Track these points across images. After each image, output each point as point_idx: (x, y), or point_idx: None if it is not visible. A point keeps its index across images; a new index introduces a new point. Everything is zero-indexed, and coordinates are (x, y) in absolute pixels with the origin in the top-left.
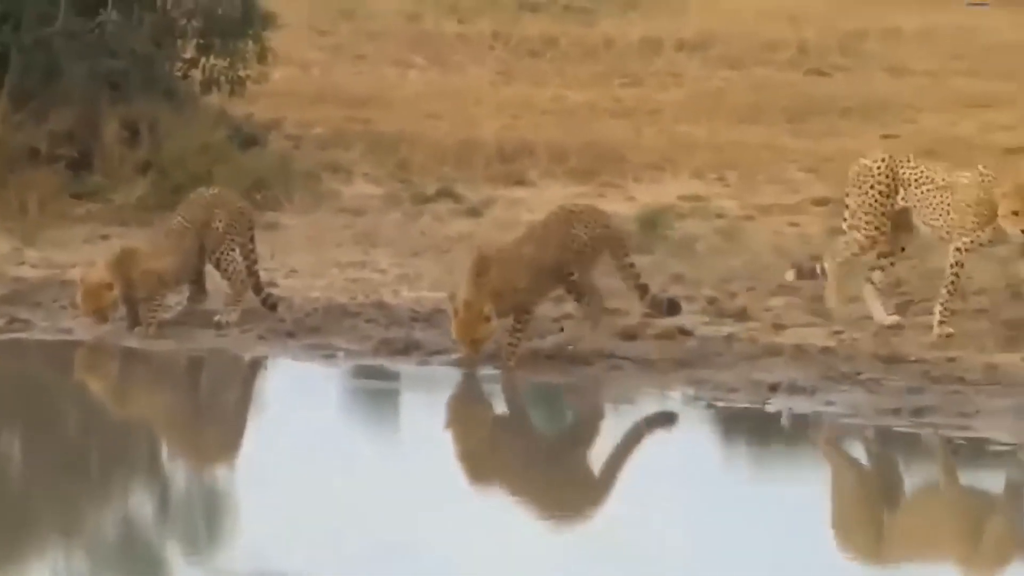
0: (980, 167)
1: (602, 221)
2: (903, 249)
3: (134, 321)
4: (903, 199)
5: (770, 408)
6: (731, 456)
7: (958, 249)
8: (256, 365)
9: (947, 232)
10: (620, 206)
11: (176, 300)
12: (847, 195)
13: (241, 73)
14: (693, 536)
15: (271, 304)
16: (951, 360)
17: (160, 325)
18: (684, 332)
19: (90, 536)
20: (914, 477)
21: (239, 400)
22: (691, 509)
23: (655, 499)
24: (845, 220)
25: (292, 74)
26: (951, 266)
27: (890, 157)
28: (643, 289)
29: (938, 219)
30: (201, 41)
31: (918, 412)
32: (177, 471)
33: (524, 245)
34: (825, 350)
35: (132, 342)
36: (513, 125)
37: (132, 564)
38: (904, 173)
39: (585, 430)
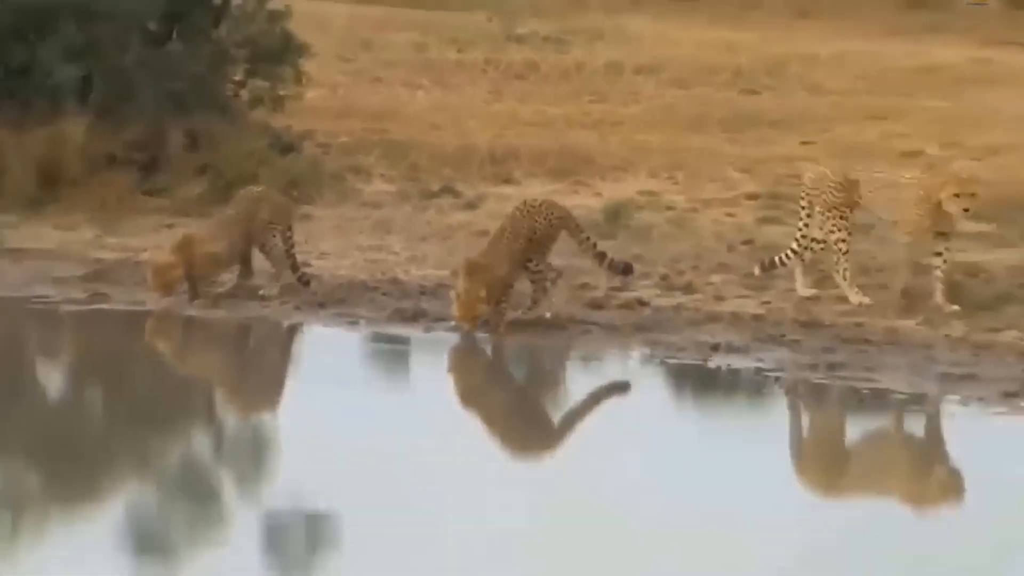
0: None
1: (556, 211)
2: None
3: (194, 294)
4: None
5: (711, 364)
6: (680, 403)
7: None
8: (293, 330)
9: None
10: (589, 200)
11: (228, 277)
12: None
13: (281, 93)
14: (649, 468)
15: (305, 281)
16: (858, 325)
17: (215, 298)
18: (642, 303)
19: (157, 473)
20: (833, 422)
21: (279, 359)
22: (647, 447)
23: (617, 438)
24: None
25: (322, 94)
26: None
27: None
28: (601, 256)
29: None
30: (248, 66)
31: (832, 367)
32: (229, 418)
33: (499, 242)
34: (756, 316)
35: (192, 312)
36: (502, 134)
37: (191, 497)
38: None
39: (559, 382)
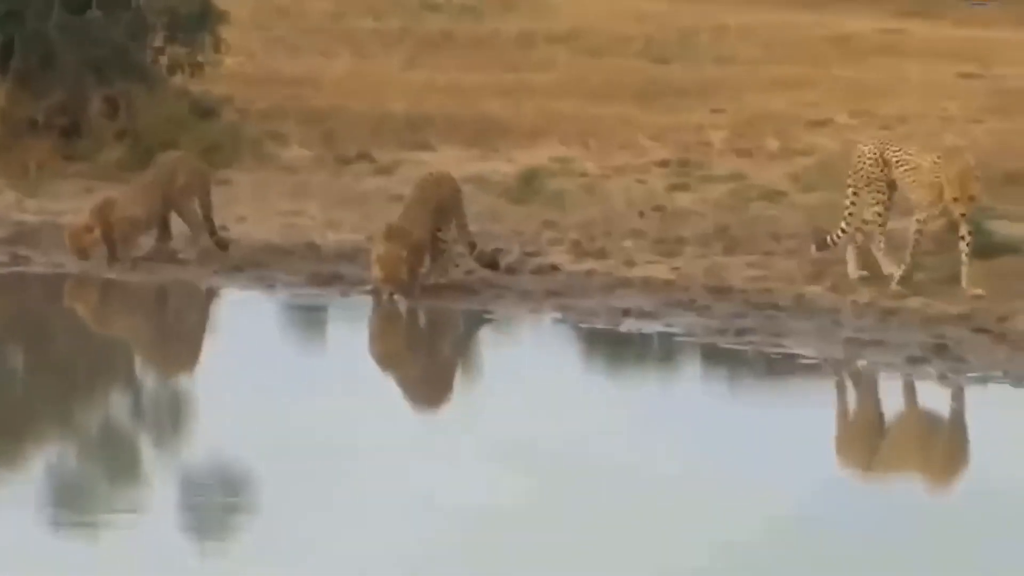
0: (935, 155)
1: (456, 185)
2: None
3: (113, 257)
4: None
5: (622, 329)
6: (591, 365)
7: (918, 220)
8: (211, 293)
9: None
10: (503, 166)
11: (146, 241)
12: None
13: (199, 59)
14: (559, 419)
15: (223, 244)
16: (767, 291)
17: (134, 261)
18: (554, 268)
19: (76, 433)
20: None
21: (197, 321)
22: (560, 404)
23: (528, 399)
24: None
25: (240, 61)
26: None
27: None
28: (472, 245)
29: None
30: (167, 34)
31: (740, 332)
32: (147, 380)
33: (411, 209)
34: (666, 282)
35: (111, 274)
36: (418, 102)
37: (110, 457)
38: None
39: (474, 345)
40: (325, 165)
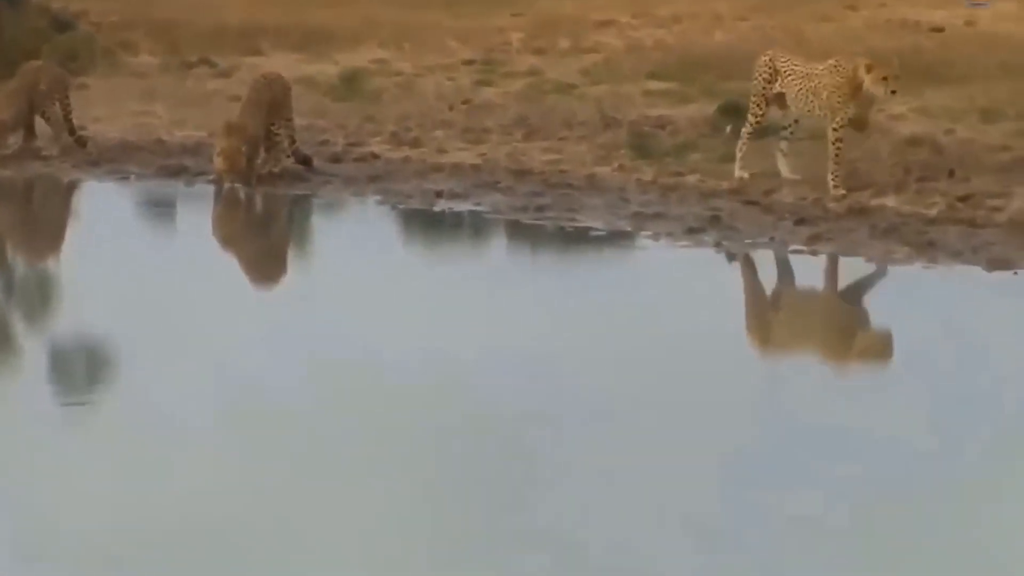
0: (832, 60)
1: (286, 84)
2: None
3: None
4: (780, 87)
5: (436, 208)
6: (409, 241)
7: (834, 128)
8: (72, 186)
9: (820, 114)
10: (328, 68)
11: (13, 141)
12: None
13: None
14: (379, 289)
15: (82, 142)
16: (562, 172)
17: (3, 159)
18: (375, 156)
19: None
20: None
21: (61, 211)
22: (378, 278)
23: (351, 268)
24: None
25: None
26: (832, 142)
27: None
28: (292, 140)
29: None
30: None
31: (540, 209)
32: (17, 263)
33: (248, 108)
34: (474, 167)
35: None
36: (251, 13)
37: None
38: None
39: (306, 224)
40: (170, 70)
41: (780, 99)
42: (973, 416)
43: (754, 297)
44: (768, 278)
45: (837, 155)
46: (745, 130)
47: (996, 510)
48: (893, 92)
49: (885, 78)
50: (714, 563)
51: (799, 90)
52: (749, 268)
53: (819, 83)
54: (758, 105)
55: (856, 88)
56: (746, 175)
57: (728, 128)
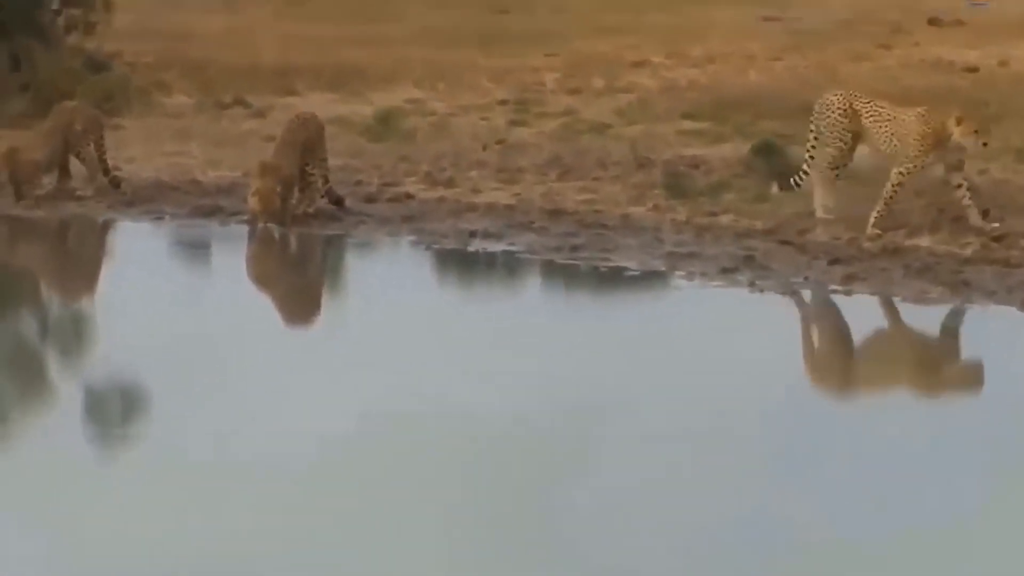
0: (920, 108)
1: (320, 124)
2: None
3: (19, 196)
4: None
5: (470, 248)
6: (443, 281)
7: (900, 172)
8: (107, 226)
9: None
10: (362, 108)
11: (48, 181)
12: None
13: (92, 19)
14: (415, 329)
15: (116, 183)
16: (597, 212)
17: (38, 199)
18: (409, 196)
19: None
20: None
21: (95, 251)
22: (412, 318)
23: (391, 306)
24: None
25: (129, 18)
26: (892, 184)
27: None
28: (325, 179)
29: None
30: None
31: (574, 249)
32: (53, 302)
33: (282, 148)
34: (508, 207)
35: (17, 211)
36: (285, 52)
37: (23, 369)
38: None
39: (340, 265)
40: (205, 110)
41: (855, 138)
42: None
43: (818, 336)
44: (817, 317)
45: (891, 198)
46: (826, 163)
47: None
48: (985, 144)
49: (976, 131)
50: None
51: (885, 132)
52: (802, 307)
53: (906, 129)
54: (842, 140)
55: (941, 140)
56: (830, 216)
57: (775, 186)
